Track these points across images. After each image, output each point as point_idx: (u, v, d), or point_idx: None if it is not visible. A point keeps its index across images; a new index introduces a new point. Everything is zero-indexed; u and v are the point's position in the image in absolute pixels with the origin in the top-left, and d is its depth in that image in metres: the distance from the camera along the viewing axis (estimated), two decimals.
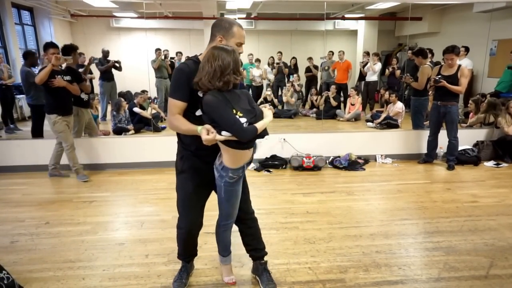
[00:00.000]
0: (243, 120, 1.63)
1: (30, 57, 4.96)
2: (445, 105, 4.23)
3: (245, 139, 1.64)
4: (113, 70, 6.15)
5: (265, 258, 2.13)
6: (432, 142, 4.50)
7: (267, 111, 1.79)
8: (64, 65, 3.90)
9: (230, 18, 1.88)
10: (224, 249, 2.04)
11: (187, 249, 2.08)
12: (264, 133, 1.75)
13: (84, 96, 4.23)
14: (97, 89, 6.27)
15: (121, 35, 8.05)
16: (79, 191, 3.71)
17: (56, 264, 2.33)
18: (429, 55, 5.23)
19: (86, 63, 6.12)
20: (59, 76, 3.74)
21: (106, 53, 6.21)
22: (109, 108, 6.21)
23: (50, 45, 3.75)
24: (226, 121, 1.61)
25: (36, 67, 5.31)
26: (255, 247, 2.09)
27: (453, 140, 4.30)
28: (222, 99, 1.63)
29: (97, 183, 3.96)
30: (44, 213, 3.14)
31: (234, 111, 1.64)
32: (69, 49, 4.01)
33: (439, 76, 4.17)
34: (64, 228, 2.84)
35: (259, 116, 1.72)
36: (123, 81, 6.76)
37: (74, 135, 4.24)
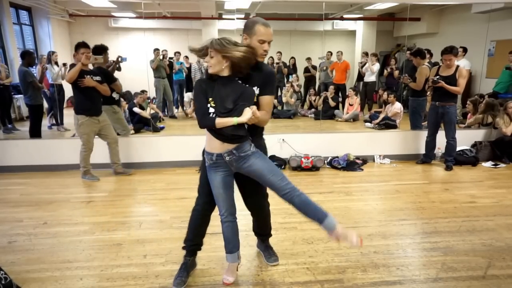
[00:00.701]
0: (211, 109, 1.80)
1: (27, 57, 4.95)
2: (443, 105, 4.24)
3: (200, 126, 1.84)
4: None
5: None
6: (430, 143, 4.51)
7: (246, 112, 1.80)
8: (90, 65, 3.83)
9: (258, 18, 1.95)
10: (225, 245, 2.05)
11: (195, 232, 2.13)
12: (238, 132, 1.82)
13: (115, 95, 4.27)
14: None
15: (119, 35, 8.04)
16: (77, 191, 3.70)
17: (54, 264, 2.32)
18: (428, 56, 5.24)
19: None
20: (88, 76, 3.70)
21: None
22: None
23: (81, 45, 3.71)
24: (196, 104, 1.87)
25: (34, 67, 5.30)
26: (259, 231, 2.35)
27: (451, 141, 4.31)
28: (202, 87, 1.83)
29: (94, 183, 3.95)
30: (42, 213, 3.13)
31: (209, 100, 1.81)
32: (100, 49, 4.00)
33: (437, 77, 4.18)
34: (62, 228, 2.83)
35: (236, 114, 1.79)
36: (122, 81, 6.69)
37: (123, 133, 4.34)
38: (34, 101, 4.97)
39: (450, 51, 4.10)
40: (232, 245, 2.04)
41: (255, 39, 1.88)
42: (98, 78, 3.81)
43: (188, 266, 2.15)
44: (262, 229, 2.34)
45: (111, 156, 4.08)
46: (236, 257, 2.07)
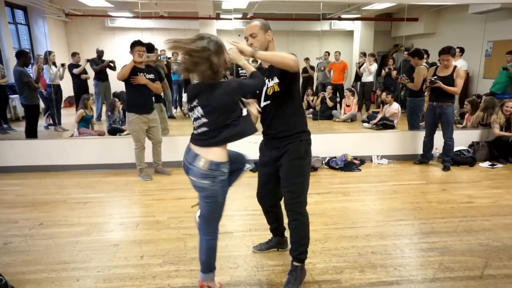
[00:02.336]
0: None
1: (22, 57, 4.91)
2: (441, 106, 4.24)
3: None
4: (108, 70, 6.11)
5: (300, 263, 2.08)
6: (428, 143, 4.52)
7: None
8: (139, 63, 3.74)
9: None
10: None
11: (268, 222, 2.37)
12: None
13: (162, 94, 4.35)
14: (91, 89, 6.24)
15: (116, 35, 8.01)
16: (73, 192, 3.68)
17: (50, 265, 2.31)
18: (425, 56, 5.25)
19: (81, 62, 6.10)
20: (141, 74, 3.70)
21: (100, 53, 6.17)
22: (104, 108, 6.17)
23: (137, 43, 3.72)
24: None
25: (30, 67, 5.26)
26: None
27: (448, 141, 4.32)
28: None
29: (91, 183, 3.93)
30: (38, 214, 3.10)
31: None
32: (152, 48, 4.00)
33: (435, 77, 4.19)
34: (58, 229, 2.81)
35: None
36: (118, 82, 6.70)
37: (163, 133, 4.33)
38: (30, 101, 4.94)
39: (447, 51, 4.11)
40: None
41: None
42: (151, 76, 3.80)
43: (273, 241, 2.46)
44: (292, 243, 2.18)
45: (153, 155, 4.10)
46: None
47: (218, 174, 1.75)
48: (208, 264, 1.95)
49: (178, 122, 7.00)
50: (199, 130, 1.78)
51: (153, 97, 3.97)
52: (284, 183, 2.00)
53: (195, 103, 1.76)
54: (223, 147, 1.78)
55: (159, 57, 5.05)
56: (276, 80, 1.93)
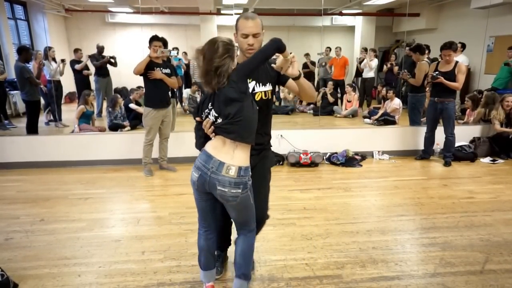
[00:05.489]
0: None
1: (24, 53, 4.90)
2: (442, 101, 4.23)
3: None
4: (109, 66, 6.09)
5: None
6: (429, 139, 4.51)
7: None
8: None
9: (245, 12, 1.88)
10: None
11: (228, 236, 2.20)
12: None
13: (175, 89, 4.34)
14: (92, 85, 6.22)
15: (116, 31, 7.97)
16: (74, 187, 3.68)
17: (52, 261, 2.31)
18: (426, 52, 5.22)
19: (83, 59, 6.07)
20: (157, 69, 3.72)
21: (101, 49, 6.15)
22: (105, 104, 6.16)
23: (155, 38, 3.74)
24: None
25: (30, 62, 5.25)
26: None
27: (450, 137, 4.31)
28: None
29: (92, 179, 3.93)
30: (39, 210, 3.11)
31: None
32: (167, 43, 4.01)
33: (437, 72, 4.17)
34: (60, 225, 2.82)
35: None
36: (119, 77, 6.69)
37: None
38: (31, 97, 4.93)
39: (449, 46, 4.09)
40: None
41: (239, 34, 1.74)
42: (167, 70, 3.82)
43: None
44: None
45: (159, 150, 4.11)
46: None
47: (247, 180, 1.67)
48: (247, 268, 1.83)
49: (178, 118, 6.95)
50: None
51: (170, 92, 3.98)
52: (262, 187, 1.93)
53: None
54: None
55: (169, 54, 5.00)
56: (269, 87, 1.82)
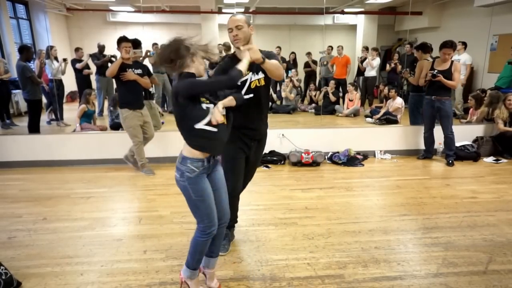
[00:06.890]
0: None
1: (25, 52, 4.91)
2: (440, 99, 4.22)
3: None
4: (110, 65, 6.08)
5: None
6: (429, 138, 4.49)
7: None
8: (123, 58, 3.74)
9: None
10: (198, 258, 1.95)
11: (233, 212, 2.31)
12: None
13: (151, 89, 4.33)
14: (94, 84, 6.22)
15: (117, 30, 7.94)
16: (76, 186, 3.69)
17: (54, 260, 2.32)
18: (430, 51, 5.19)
19: (84, 58, 6.07)
20: (130, 70, 3.72)
21: (102, 48, 6.14)
22: (106, 103, 6.16)
23: (123, 39, 3.73)
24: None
25: (32, 61, 5.25)
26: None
27: (449, 135, 4.29)
28: None
29: (94, 178, 3.93)
30: (41, 209, 3.11)
31: None
32: (139, 43, 4.01)
33: (436, 71, 4.16)
34: (62, 224, 2.82)
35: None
36: None
37: (155, 129, 4.29)
38: (33, 96, 4.94)
39: (450, 45, 4.08)
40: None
41: (228, 32, 2.02)
42: (139, 71, 3.81)
43: (229, 235, 2.38)
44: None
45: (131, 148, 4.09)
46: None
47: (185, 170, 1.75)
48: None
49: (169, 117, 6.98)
50: None
51: (143, 93, 3.96)
52: (253, 170, 2.40)
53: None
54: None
55: (148, 53, 4.98)
56: (262, 74, 2.11)
